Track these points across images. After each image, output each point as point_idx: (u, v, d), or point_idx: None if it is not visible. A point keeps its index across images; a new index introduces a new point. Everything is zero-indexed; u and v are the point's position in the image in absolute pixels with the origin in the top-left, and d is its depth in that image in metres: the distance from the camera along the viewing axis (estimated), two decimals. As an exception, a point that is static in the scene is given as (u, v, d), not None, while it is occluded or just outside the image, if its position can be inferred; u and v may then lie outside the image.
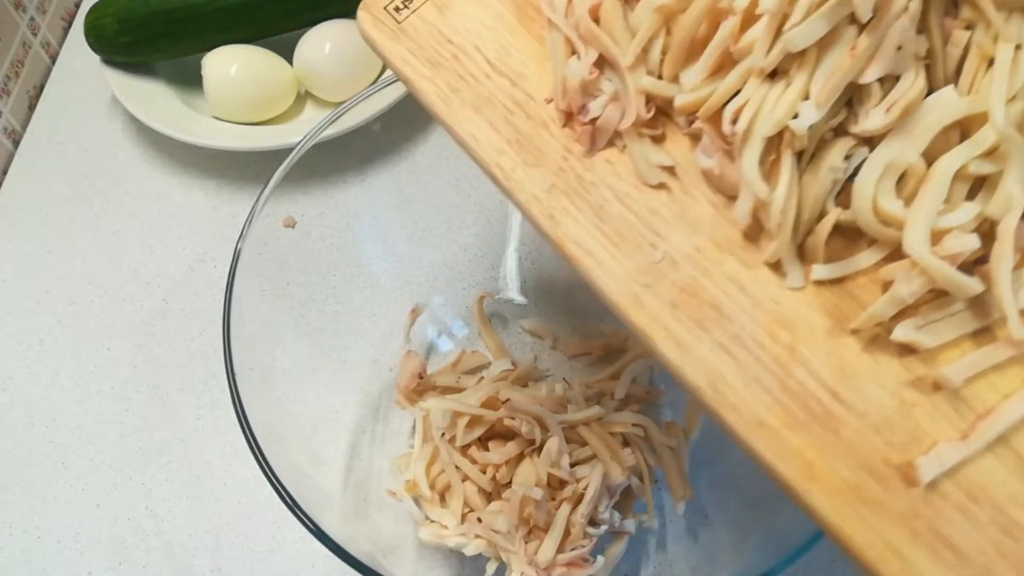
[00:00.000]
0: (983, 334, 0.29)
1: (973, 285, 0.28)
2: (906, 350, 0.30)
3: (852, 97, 0.31)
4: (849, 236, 0.31)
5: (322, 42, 0.65)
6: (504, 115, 0.33)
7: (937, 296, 0.29)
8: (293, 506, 0.39)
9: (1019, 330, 0.28)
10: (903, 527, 0.27)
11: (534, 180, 0.33)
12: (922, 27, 0.30)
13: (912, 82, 0.30)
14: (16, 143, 0.70)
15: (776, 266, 0.31)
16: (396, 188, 0.56)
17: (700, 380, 0.30)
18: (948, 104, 0.30)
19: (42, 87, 0.73)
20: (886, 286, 0.30)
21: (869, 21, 0.29)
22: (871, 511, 0.27)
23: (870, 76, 0.29)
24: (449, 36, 0.35)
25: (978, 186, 0.30)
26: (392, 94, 0.59)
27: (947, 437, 0.28)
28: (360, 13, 0.35)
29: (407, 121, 0.59)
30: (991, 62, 0.30)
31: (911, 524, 0.27)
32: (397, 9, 0.35)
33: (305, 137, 0.49)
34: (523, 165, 0.33)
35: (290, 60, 0.66)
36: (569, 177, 0.32)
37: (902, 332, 0.29)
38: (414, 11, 0.35)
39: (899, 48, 0.29)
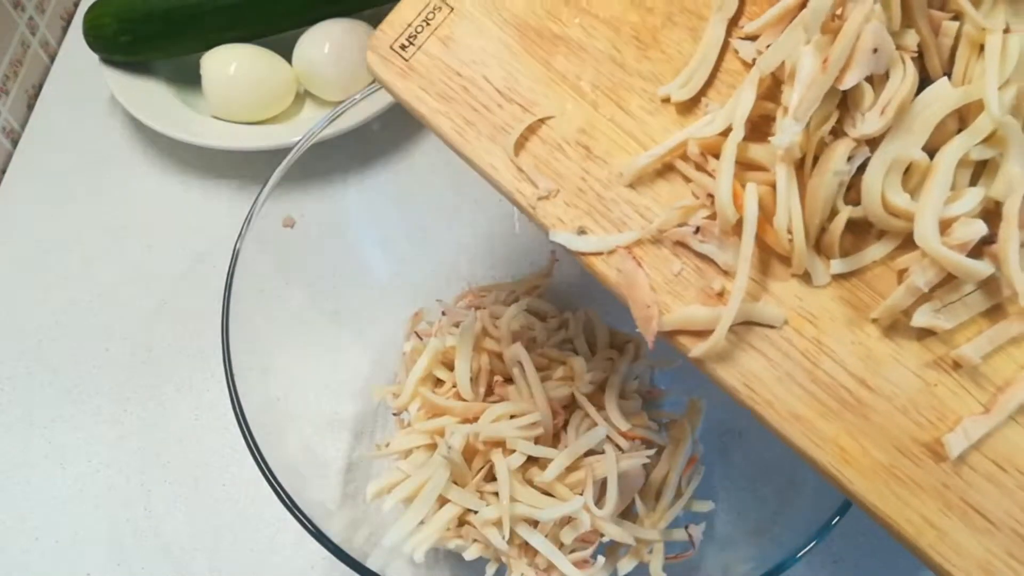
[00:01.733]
0: (996, 311, 0.31)
1: (983, 269, 0.29)
2: (925, 332, 0.31)
3: (846, 97, 0.31)
4: (859, 230, 0.32)
5: (321, 41, 0.64)
6: (520, 141, 0.34)
7: (950, 279, 0.30)
8: (292, 507, 0.39)
9: None
10: (936, 500, 0.29)
11: (556, 205, 0.33)
12: (909, 22, 0.31)
13: (902, 79, 0.30)
14: (15, 143, 0.70)
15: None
16: (395, 188, 0.56)
17: (735, 381, 0.31)
18: (944, 96, 0.30)
19: (41, 86, 0.73)
20: (901, 274, 0.31)
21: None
22: (905, 488, 0.29)
23: (850, 82, 0.30)
24: (457, 69, 0.35)
25: (979, 169, 0.31)
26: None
27: (971, 412, 0.29)
28: (368, 55, 0.36)
29: (406, 121, 0.58)
30: (983, 48, 0.31)
31: (943, 496, 0.29)
32: (403, 47, 0.35)
33: (304, 136, 0.49)
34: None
35: (289, 59, 0.66)
36: (589, 196, 0.33)
37: (921, 318, 0.30)
38: (419, 47, 0.35)
39: (875, 51, 0.30)
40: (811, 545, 0.38)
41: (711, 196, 0.32)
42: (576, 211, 0.33)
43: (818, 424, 0.30)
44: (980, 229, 0.29)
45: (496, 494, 0.42)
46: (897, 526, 0.29)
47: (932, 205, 0.29)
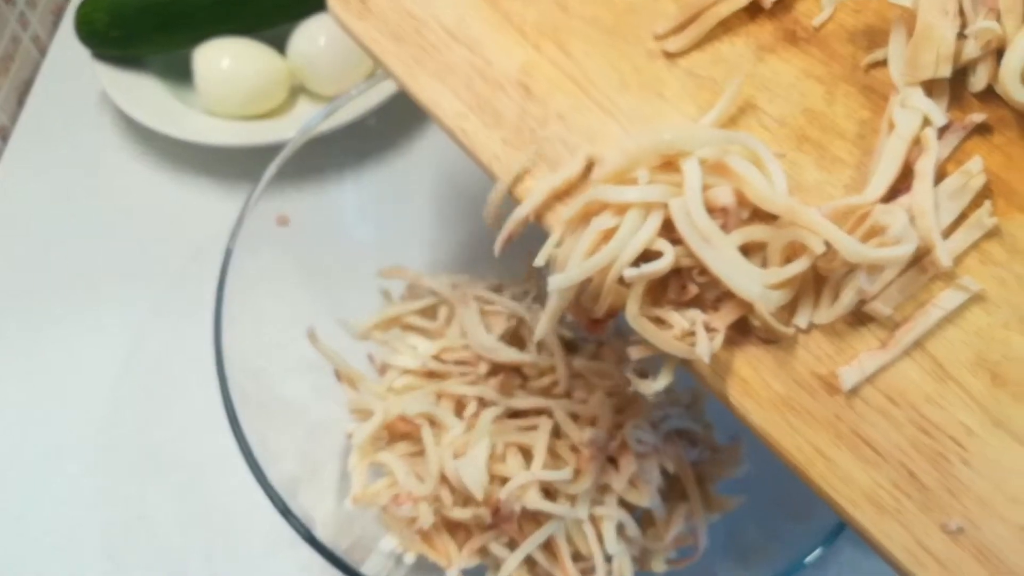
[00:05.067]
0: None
1: (909, 250, 0.29)
2: None
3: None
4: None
5: (316, 35, 0.63)
6: (465, 81, 0.35)
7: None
8: (285, 512, 0.38)
9: (946, 259, 0.29)
10: (828, 431, 0.29)
11: (494, 140, 0.34)
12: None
13: None
14: (5, 138, 0.69)
15: None
16: (392, 184, 0.55)
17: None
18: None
19: (32, 82, 0.72)
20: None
21: None
22: (800, 419, 0.30)
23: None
24: (410, 10, 0.37)
25: None
26: (388, 88, 0.58)
27: (868, 347, 0.30)
28: None
29: (402, 116, 0.58)
30: None
31: (835, 428, 0.29)
32: None
33: (299, 132, 0.48)
34: (483, 127, 0.35)
35: (283, 53, 0.65)
36: (525, 135, 0.34)
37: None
38: None
39: None
40: (818, 551, 0.37)
41: None
42: (512, 149, 0.34)
43: (722, 356, 0.30)
44: (904, 220, 0.28)
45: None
46: (789, 456, 0.29)
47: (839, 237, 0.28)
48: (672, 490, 0.44)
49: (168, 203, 0.64)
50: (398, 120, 0.58)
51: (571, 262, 0.30)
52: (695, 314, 0.30)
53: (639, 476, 0.41)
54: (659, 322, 0.30)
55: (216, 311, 0.43)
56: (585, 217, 0.31)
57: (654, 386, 0.30)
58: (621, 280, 0.30)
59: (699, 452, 0.45)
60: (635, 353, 0.31)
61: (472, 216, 0.56)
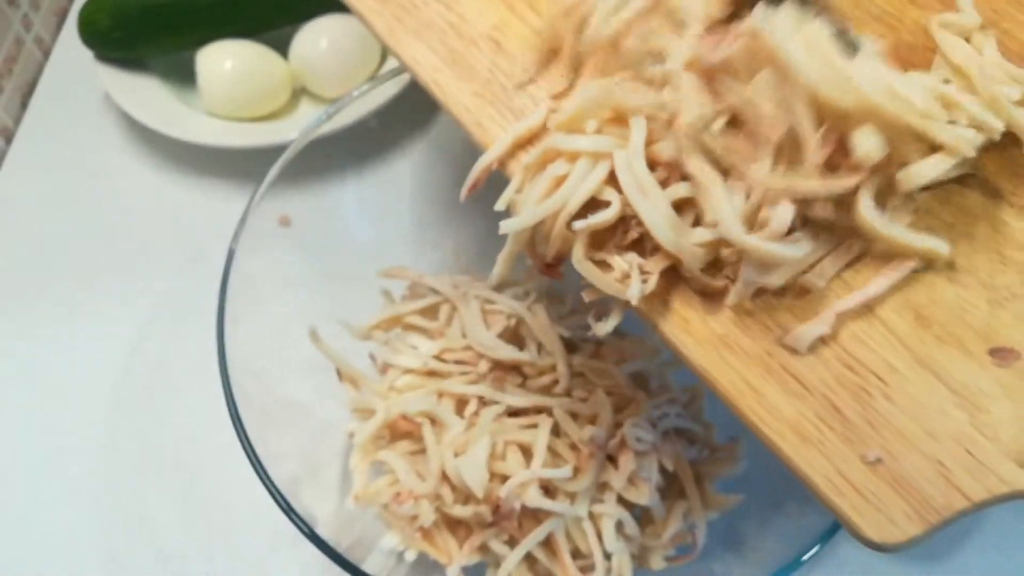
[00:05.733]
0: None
1: (798, 252, 0.30)
2: None
3: None
4: None
5: (318, 37, 0.64)
6: (440, 37, 0.37)
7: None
8: (288, 510, 0.39)
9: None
10: (759, 366, 0.30)
11: (465, 93, 0.36)
12: None
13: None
14: (8, 140, 0.69)
15: None
16: (393, 185, 0.55)
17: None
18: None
19: (35, 84, 0.73)
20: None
21: None
22: (733, 355, 0.31)
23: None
24: None
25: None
26: (390, 90, 0.58)
27: None
28: None
29: (405, 117, 0.58)
30: None
31: (766, 363, 0.30)
32: None
33: (301, 134, 0.48)
34: (456, 81, 0.36)
35: (285, 55, 0.65)
36: (495, 88, 0.36)
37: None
38: None
39: None
40: (815, 549, 0.37)
41: None
42: (482, 101, 0.36)
43: (664, 296, 0.32)
44: (788, 215, 0.29)
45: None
46: (722, 388, 0.30)
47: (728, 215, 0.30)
48: (671, 488, 0.44)
49: (171, 204, 0.64)
50: (399, 122, 0.58)
51: (524, 206, 0.32)
52: (633, 257, 0.31)
53: (638, 474, 0.41)
54: (603, 265, 0.31)
55: (219, 312, 0.43)
56: (543, 164, 0.32)
57: (604, 327, 0.32)
58: (570, 225, 0.31)
59: (697, 451, 0.45)
60: (587, 296, 0.32)
61: (472, 218, 0.57)
